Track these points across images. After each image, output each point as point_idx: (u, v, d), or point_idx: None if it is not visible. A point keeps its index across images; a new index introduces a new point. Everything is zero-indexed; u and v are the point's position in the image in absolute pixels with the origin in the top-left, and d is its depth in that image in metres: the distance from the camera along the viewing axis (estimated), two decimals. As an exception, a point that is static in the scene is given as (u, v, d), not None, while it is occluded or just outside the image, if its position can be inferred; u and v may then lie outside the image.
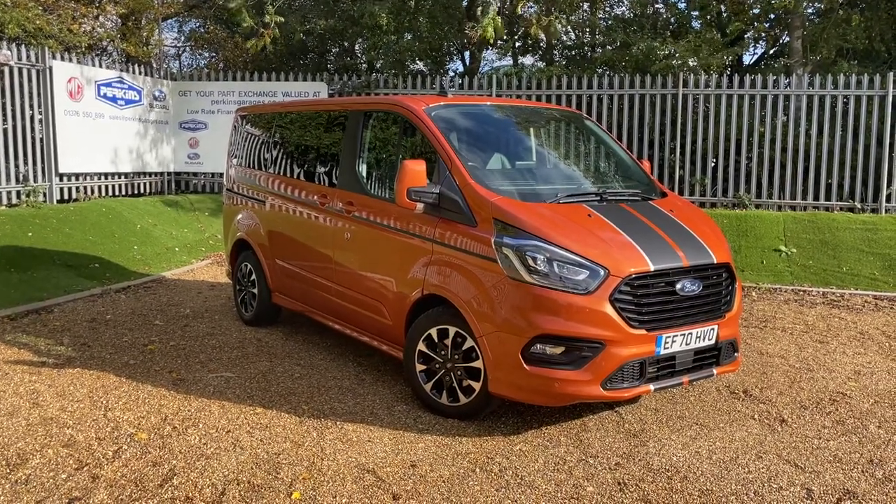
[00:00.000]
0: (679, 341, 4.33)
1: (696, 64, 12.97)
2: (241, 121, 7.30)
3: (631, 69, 13.61)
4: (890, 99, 10.58)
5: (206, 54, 21.17)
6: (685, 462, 4.08)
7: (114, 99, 11.59)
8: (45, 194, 10.29)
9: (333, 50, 19.06)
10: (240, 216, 6.97)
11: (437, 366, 4.66)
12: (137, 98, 12.09)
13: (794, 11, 12.37)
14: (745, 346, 6.40)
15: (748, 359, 6.03)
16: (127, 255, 9.44)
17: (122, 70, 12.02)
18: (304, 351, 6.03)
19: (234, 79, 13.07)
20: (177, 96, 12.86)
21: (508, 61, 19.12)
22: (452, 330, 4.54)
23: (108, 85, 11.49)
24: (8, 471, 3.81)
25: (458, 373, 4.55)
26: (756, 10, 13.71)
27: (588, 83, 11.82)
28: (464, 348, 4.50)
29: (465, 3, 15.60)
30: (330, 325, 5.85)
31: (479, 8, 13.77)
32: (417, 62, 17.16)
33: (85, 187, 11.05)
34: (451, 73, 17.72)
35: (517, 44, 17.44)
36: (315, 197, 5.88)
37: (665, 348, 4.27)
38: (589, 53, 16.90)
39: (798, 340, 6.69)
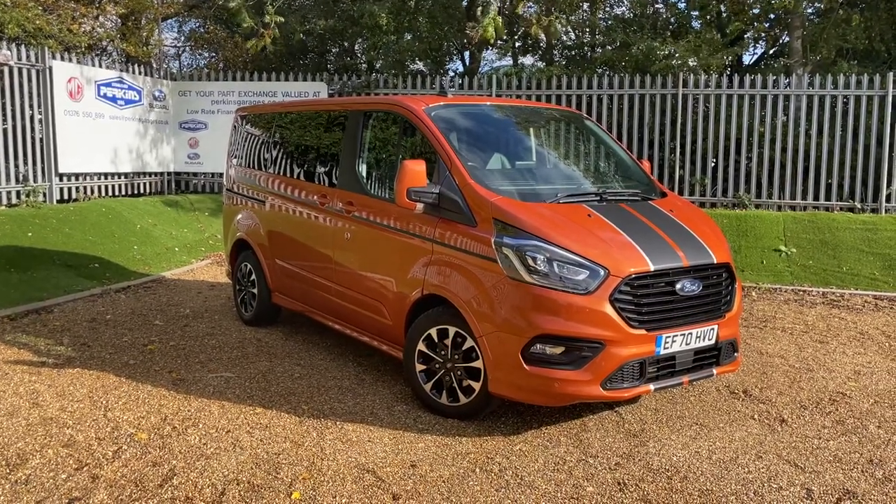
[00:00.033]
0: (679, 341, 4.33)
1: (695, 64, 12.98)
2: (241, 121, 7.30)
3: (631, 69, 13.61)
4: (890, 99, 10.58)
5: (206, 54, 21.18)
6: (685, 462, 4.08)
7: (114, 99, 11.59)
8: (44, 194, 10.29)
9: (333, 50, 19.07)
10: (240, 216, 6.97)
11: (437, 366, 4.66)
12: (137, 98, 12.09)
13: (794, 11, 12.37)
14: (745, 346, 6.40)
15: (748, 359, 6.03)
16: (127, 255, 9.44)
17: (121, 70, 12.02)
18: (303, 351, 6.03)
19: (234, 79, 13.07)
20: (177, 96, 12.86)
21: (508, 61, 19.13)
22: (452, 330, 4.54)
23: (108, 85, 11.49)
24: (8, 471, 3.81)
25: (458, 373, 4.55)
26: (756, 10, 13.71)
27: (588, 83, 11.82)
28: (464, 348, 4.50)
29: (465, 3, 15.60)
30: (330, 325, 5.85)
31: (479, 8, 13.79)
32: (417, 62, 17.16)
33: (85, 187, 11.05)
34: (451, 74, 17.73)
35: (517, 44, 17.44)
36: (315, 197, 5.88)
37: (665, 348, 4.27)
38: (589, 53, 16.91)
39: (798, 340, 6.69)
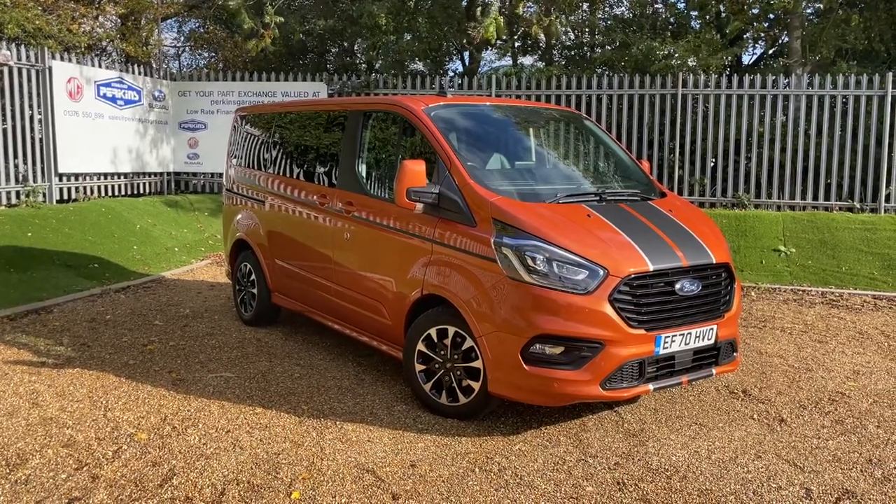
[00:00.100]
0: (678, 341, 4.34)
1: (695, 64, 12.98)
2: (241, 121, 7.30)
3: (630, 69, 13.61)
4: (889, 99, 10.59)
5: (206, 54, 21.18)
6: (684, 462, 4.09)
7: (113, 99, 11.59)
8: (44, 194, 10.29)
9: (333, 50, 19.07)
10: (239, 216, 6.98)
11: (437, 366, 4.66)
12: (137, 98, 12.09)
13: (794, 11, 12.37)
14: (745, 345, 6.41)
15: (747, 358, 6.03)
16: (126, 255, 9.44)
17: (121, 70, 12.02)
18: (303, 351, 6.04)
19: (234, 79, 13.07)
20: (176, 96, 12.86)
21: (508, 61, 19.14)
22: (452, 330, 4.55)
23: (108, 85, 11.50)
24: (8, 471, 3.81)
25: (458, 373, 4.56)
26: (755, 11, 13.72)
27: (587, 83, 11.83)
28: (463, 348, 4.50)
29: (464, 4, 15.61)
30: (329, 325, 5.85)
31: (479, 8, 13.80)
32: (417, 62, 17.17)
33: (84, 187, 11.05)
34: (451, 74, 17.73)
35: (517, 44, 17.45)
36: (315, 197, 5.89)
37: (664, 348, 4.28)
38: (588, 53, 16.92)
39: (797, 340, 6.70)
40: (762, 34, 15.11)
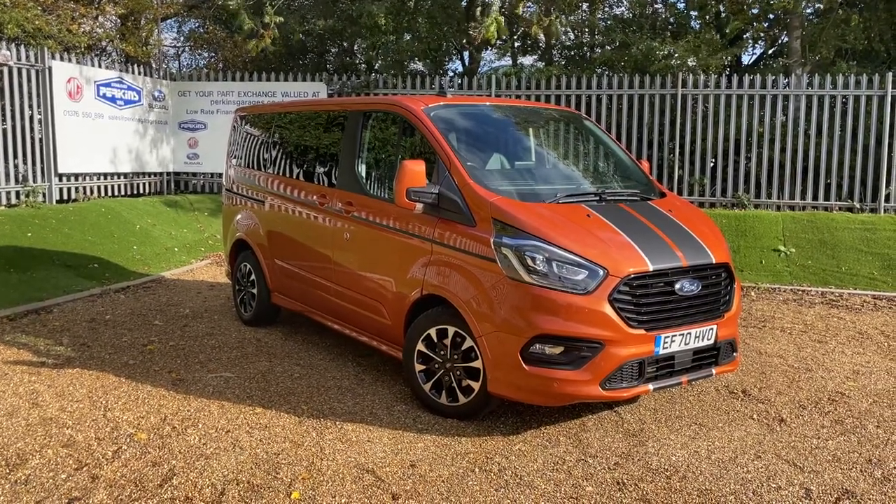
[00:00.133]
0: (678, 341, 4.34)
1: (695, 64, 12.99)
2: (241, 121, 7.30)
3: (630, 69, 13.62)
4: (889, 99, 10.59)
5: (206, 54, 21.18)
6: (684, 462, 4.09)
7: (113, 99, 11.59)
8: (44, 194, 10.28)
9: (332, 50, 19.07)
10: (239, 216, 6.98)
11: (437, 366, 4.66)
12: (137, 98, 12.09)
13: (793, 11, 12.38)
14: (744, 345, 6.41)
15: (747, 358, 6.04)
16: (126, 256, 9.44)
17: (121, 70, 12.02)
18: (303, 351, 6.04)
19: (234, 79, 13.07)
20: (176, 96, 12.86)
21: (507, 61, 19.15)
22: (452, 330, 4.55)
23: (108, 85, 11.49)
24: (7, 471, 3.81)
25: (458, 373, 4.56)
26: (755, 10, 13.72)
27: (587, 83, 11.83)
28: (463, 348, 4.50)
29: (464, 4, 15.61)
30: (329, 325, 5.85)
31: (479, 8, 13.79)
32: (416, 62, 17.17)
33: (84, 187, 11.05)
34: (451, 74, 17.73)
35: (516, 44, 17.45)
36: (314, 197, 5.89)
37: (664, 348, 4.28)
38: (588, 53, 16.92)
39: (797, 340, 6.70)
40: (762, 34, 15.12)
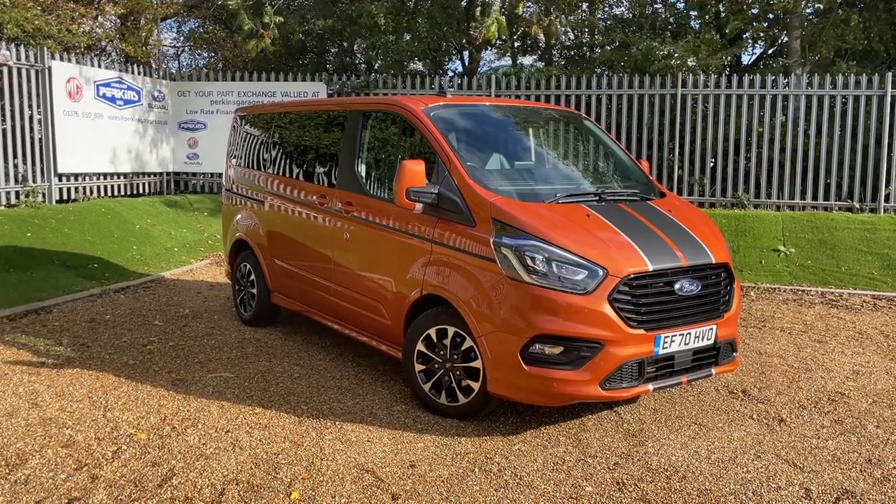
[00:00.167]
0: (678, 341, 4.34)
1: (694, 64, 12.99)
2: (241, 121, 7.30)
3: (630, 69, 13.62)
4: (888, 99, 10.59)
5: (205, 54, 21.19)
6: (684, 462, 4.09)
7: (113, 99, 11.59)
8: (44, 194, 10.28)
9: (332, 50, 19.08)
10: (239, 216, 6.98)
11: (436, 366, 4.66)
12: (136, 98, 12.09)
13: (793, 11, 12.38)
14: (744, 345, 6.41)
15: (747, 358, 6.04)
16: (126, 256, 9.44)
17: (121, 70, 12.02)
18: (303, 351, 6.04)
19: (233, 79, 13.07)
20: (176, 96, 12.86)
21: (507, 61, 19.14)
22: (451, 330, 4.55)
23: (107, 85, 11.49)
24: (7, 471, 3.81)
25: (457, 373, 4.56)
26: (755, 10, 13.73)
27: (587, 83, 11.83)
28: (463, 348, 4.50)
29: (464, 4, 15.61)
30: (329, 325, 5.85)
31: (479, 8, 13.80)
32: (416, 62, 17.17)
33: (84, 187, 11.05)
34: (450, 74, 17.74)
35: (516, 44, 17.45)
36: (314, 197, 5.89)
37: (664, 348, 4.28)
38: (588, 53, 16.92)
39: (796, 340, 6.70)
40: (762, 34, 15.12)
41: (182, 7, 18.10)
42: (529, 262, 4.17)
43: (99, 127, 11.27)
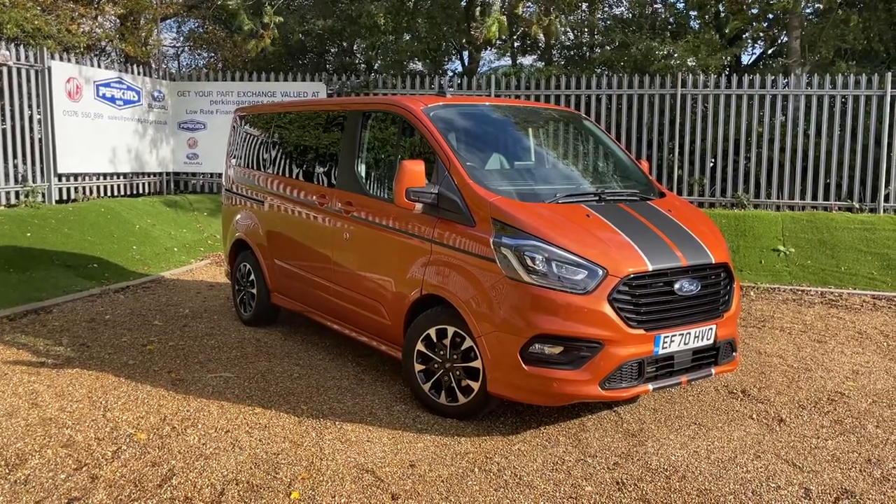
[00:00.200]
0: (677, 341, 4.34)
1: (694, 64, 12.99)
2: (240, 121, 7.30)
3: (629, 69, 13.62)
4: (888, 99, 10.59)
5: (205, 54, 21.20)
6: (684, 461, 4.09)
7: (112, 99, 11.59)
8: (43, 194, 10.28)
9: (332, 50, 19.08)
10: (239, 216, 6.98)
11: (436, 366, 4.66)
12: (136, 98, 12.08)
13: (793, 11, 12.38)
14: (744, 345, 6.41)
15: (746, 358, 6.04)
16: (126, 256, 9.44)
17: (120, 70, 12.02)
18: (302, 351, 6.04)
19: (233, 79, 13.06)
20: (175, 96, 12.86)
21: (507, 61, 19.14)
22: (451, 330, 4.55)
23: (107, 85, 11.49)
24: (7, 471, 3.81)
25: (457, 373, 4.56)
26: (754, 10, 13.73)
27: (587, 83, 11.83)
28: (462, 348, 4.50)
29: (464, 4, 15.61)
30: (329, 325, 5.86)
31: (479, 8, 13.80)
32: (416, 62, 17.17)
33: (84, 187, 11.05)
34: (450, 74, 17.74)
35: (516, 44, 17.45)
36: (314, 197, 5.89)
37: (663, 348, 4.28)
38: (588, 53, 16.92)
39: (796, 340, 6.70)
40: (761, 34, 15.13)
41: (182, 7, 18.11)
42: (529, 261, 4.17)
43: (99, 127, 11.27)
